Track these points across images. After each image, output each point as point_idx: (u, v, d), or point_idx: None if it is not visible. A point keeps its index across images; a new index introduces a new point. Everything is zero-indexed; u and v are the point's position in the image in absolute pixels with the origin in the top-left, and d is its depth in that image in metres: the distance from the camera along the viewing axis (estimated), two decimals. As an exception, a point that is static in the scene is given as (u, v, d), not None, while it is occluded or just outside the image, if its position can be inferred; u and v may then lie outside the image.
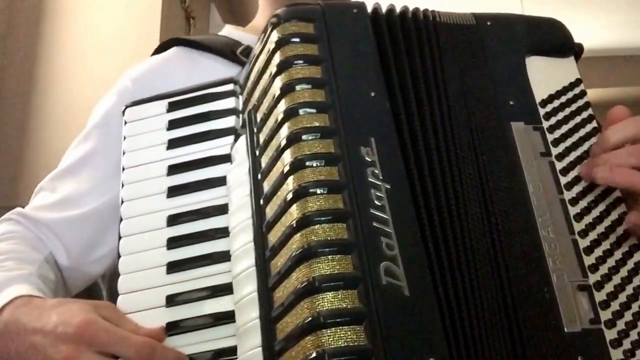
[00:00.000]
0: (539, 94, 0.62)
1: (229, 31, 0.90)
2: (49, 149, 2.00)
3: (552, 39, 0.65)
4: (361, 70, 0.58)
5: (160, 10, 2.18)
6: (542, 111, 0.62)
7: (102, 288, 1.06)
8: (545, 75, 0.63)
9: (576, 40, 0.67)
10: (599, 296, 0.53)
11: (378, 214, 0.49)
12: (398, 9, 0.64)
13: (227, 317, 0.56)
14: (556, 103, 0.63)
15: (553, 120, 0.62)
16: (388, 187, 0.51)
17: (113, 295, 0.62)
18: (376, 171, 0.51)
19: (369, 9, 0.62)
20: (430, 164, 0.55)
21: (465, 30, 0.64)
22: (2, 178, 2.01)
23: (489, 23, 0.65)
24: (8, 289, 0.59)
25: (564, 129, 0.62)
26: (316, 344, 0.44)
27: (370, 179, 0.51)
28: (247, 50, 0.79)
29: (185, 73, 0.78)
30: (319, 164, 0.52)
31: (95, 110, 0.83)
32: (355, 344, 0.44)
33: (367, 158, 0.52)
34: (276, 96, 0.57)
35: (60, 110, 2.06)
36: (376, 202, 0.50)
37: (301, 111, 0.55)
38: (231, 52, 0.80)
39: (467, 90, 0.61)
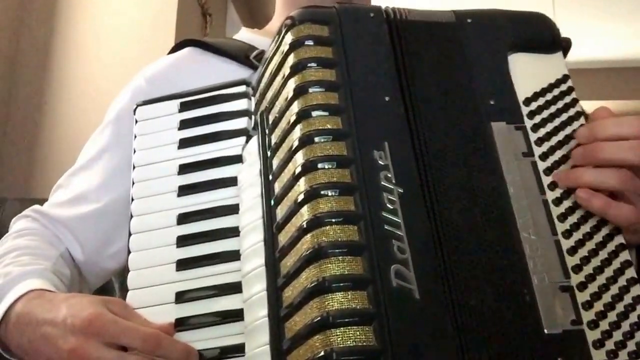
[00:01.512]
0: (523, 92, 0.61)
1: (245, 34, 0.91)
2: (62, 143, 2.02)
3: (538, 34, 0.64)
4: (376, 75, 0.58)
5: (177, 6, 2.17)
6: (526, 110, 0.60)
7: (115, 284, 1.07)
8: (531, 72, 0.62)
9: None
10: (582, 297, 0.53)
11: (390, 217, 0.50)
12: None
13: (235, 315, 0.57)
14: (541, 101, 0.61)
15: (537, 118, 0.60)
16: (400, 191, 0.51)
17: (126, 291, 0.63)
18: (389, 175, 0.52)
19: (384, 13, 0.62)
20: (440, 169, 0.55)
21: (443, 28, 0.63)
22: (17, 170, 2.03)
23: (469, 20, 0.63)
24: (22, 283, 0.61)
25: (549, 127, 0.60)
26: (325, 343, 0.45)
27: (382, 183, 0.51)
28: (261, 54, 0.80)
29: (198, 74, 0.79)
30: (331, 166, 0.52)
31: (111, 107, 0.84)
32: (364, 344, 0.44)
33: (379, 162, 0.52)
34: (289, 98, 0.58)
35: (73, 105, 2.08)
36: (388, 205, 0.50)
37: (314, 113, 0.55)
38: (244, 56, 0.81)
39: (446, 90, 0.60)
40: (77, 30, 2.17)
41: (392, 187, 0.51)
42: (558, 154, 0.59)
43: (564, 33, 0.66)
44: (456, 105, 0.59)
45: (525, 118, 0.60)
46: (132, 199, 0.67)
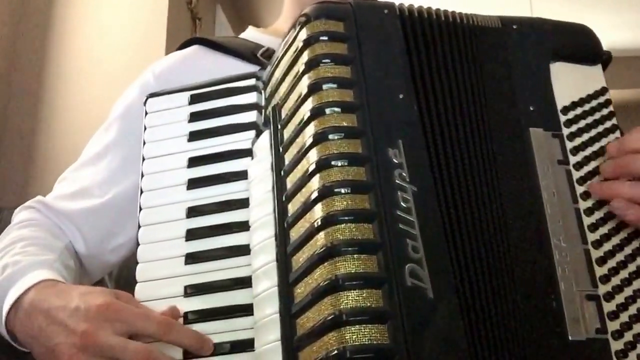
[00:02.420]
0: (562, 101, 0.62)
1: (251, 34, 0.91)
2: (58, 152, 2.03)
3: (580, 45, 0.65)
4: (390, 72, 0.58)
5: (167, 10, 2.21)
6: (563, 118, 0.61)
7: (107, 283, 1.07)
8: (570, 82, 0.63)
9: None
10: (609, 307, 0.54)
11: (404, 216, 0.50)
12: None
13: (244, 310, 0.57)
14: (579, 110, 0.62)
15: (574, 127, 0.61)
16: (415, 189, 0.51)
17: (118, 284, 0.63)
18: (403, 173, 0.52)
19: (398, 10, 0.62)
20: (455, 168, 0.55)
21: (490, 33, 0.64)
22: (14, 180, 2.04)
23: (514, 27, 0.65)
24: (34, 272, 0.61)
25: (585, 137, 0.61)
26: (339, 340, 0.45)
27: (397, 181, 0.51)
28: (268, 52, 0.80)
29: (206, 71, 0.79)
30: (345, 164, 0.52)
31: (118, 102, 0.84)
32: (379, 342, 0.44)
33: (394, 160, 0.52)
34: (303, 94, 0.57)
35: (69, 113, 2.10)
36: (402, 204, 0.50)
37: (328, 110, 0.55)
38: (252, 53, 0.81)
39: (487, 93, 0.61)
40: (71, 35, 2.19)
41: (406, 185, 0.51)
42: (592, 165, 0.60)
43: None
44: (495, 108, 0.60)
45: (563, 126, 0.61)
46: (141, 191, 0.67)
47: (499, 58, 0.63)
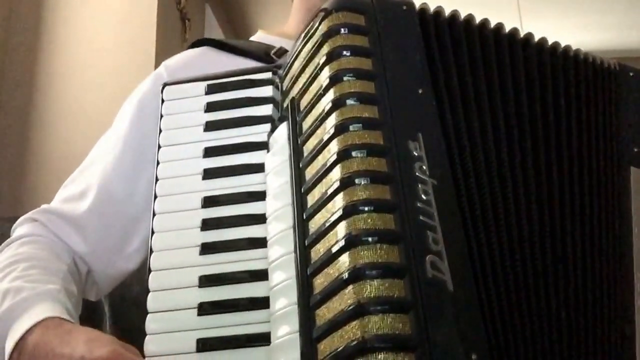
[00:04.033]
0: None
1: (261, 36, 0.91)
2: (51, 161, 2.01)
3: None
4: (409, 67, 0.58)
5: (156, 12, 2.21)
6: None
7: (105, 305, 1.04)
8: None
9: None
10: None
11: (425, 207, 0.50)
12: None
13: (259, 303, 0.56)
14: None
15: None
16: (435, 182, 0.51)
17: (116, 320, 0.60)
18: (424, 167, 0.52)
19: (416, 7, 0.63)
20: (476, 165, 0.55)
21: (603, 73, 0.67)
22: (5, 189, 2.02)
23: (631, 74, 0.69)
24: (38, 307, 0.59)
25: None
26: (361, 329, 0.45)
27: (417, 174, 0.51)
28: (281, 51, 0.80)
29: (219, 69, 0.78)
30: (367, 155, 0.52)
31: (132, 95, 0.83)
32: (400, 332, 0.44)
33: (414, 153, 0.53)
34: (324, 86, 0.57)
35: (61, 122, 2.07)
36: (423, 196, 0.50)
37: (349, 101, 0.55)
38: (265, 53, 0.81)
39: (586, 124, 0.63)
40: (60, 36, 2.18)
41: (426, 178, 0.52)
42: None
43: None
44: (591, 139, 0.63)
45: None
46: (157, 179, 0.67)
47: (605, 94, 0.66)
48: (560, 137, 0.61)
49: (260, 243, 0.60)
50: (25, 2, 2.19)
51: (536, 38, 0.67)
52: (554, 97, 0.63)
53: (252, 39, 0.91)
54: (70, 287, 0.68)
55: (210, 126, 0.69)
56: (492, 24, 0.65)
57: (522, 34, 0.67)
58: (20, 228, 0.75)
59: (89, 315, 0.83)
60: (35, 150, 2.05)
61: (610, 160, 0.63)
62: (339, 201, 0.51)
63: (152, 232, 0.64)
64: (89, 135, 0.84)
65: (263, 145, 0.66)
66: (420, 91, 0.57)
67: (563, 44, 0.68)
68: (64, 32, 2.18)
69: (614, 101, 0.66)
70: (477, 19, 0.65)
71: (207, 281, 0.60)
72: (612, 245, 0.59)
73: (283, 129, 0.64)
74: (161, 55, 0.83)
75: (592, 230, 0.59)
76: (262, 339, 0.55)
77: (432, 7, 0.64)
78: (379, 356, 0.43)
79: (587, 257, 0.57)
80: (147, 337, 0.58)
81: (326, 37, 0.59)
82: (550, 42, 0.67)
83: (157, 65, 0.91)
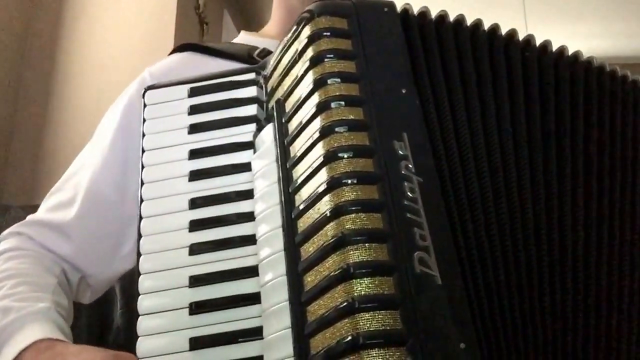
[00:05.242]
0: None
1: (244, 37, 0.92)
2: (66, 150, 2.03)
3: None
4: (392, 68, 0.60)
5: (175, 16, 2.22)
6: None
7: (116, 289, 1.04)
8: None
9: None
10: None
11: (411, 205, 0.51)
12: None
13: (251, 299, 0.58)
14: None
15: None
16: (420, 180, 0.53)
17: (128, 296, 0.61)
18: (409, 165, 0.53)
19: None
20: (464, 161, 0.57)
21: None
22: (22, 178, 2.04)
23: None
24: (29, 327, 0.59)
25: None
26: (352, 326, 0.46)
27: (403, 172, 0.53)
28: (264, 52, 0.81)
29: (202, 73, 0.79)
30: (353, 156, 0.53)
31: (116, 101, 0.84)
32: (391, 328, 0.46)
33: (400, 152, 0.54)
34: (309, 89, 0.58)
35: (77, 112, 2.11)
36: (409, 194, 0.52)
37: (334, 104, 0.57)
38: (248, 55, 0.82)
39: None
40: (80, 40, 2.20)
41: (412, 176, 0.53)
42: None
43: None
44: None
45: None
46: (142, 183, 0.67)
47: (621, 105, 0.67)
48: (560, 135, 0.62)
49: (249, 241, 0.61)
50: (45, 6, 2.19)
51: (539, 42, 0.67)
52: (557, 101, 0.64)
53: (234, 40, 0.92)
54: (62, 301, 0.67)
55: (194, 128, 0.69)
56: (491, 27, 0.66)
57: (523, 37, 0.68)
58: (5, 242, 0.73)
59: (99, 298, 0.82)
60: (52, 145, 2.07)
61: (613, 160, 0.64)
62: (327, 202, 0.52)
63: (140, 236, 0.64)
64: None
65: (249, 145, 0.67)
66: (403, 91, 0.59)
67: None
68: (82, 35, 2.20)
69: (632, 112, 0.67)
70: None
71: (197, 281, 0.61)
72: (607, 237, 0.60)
73: (269, 130, 0.65)
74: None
75: (585, 222, 0.60)
76: (254, 334, 0.56)
77: (436, 10, 0.65)
78: (371, 352, 0.45)
79: (576, 249, 0.58)
80: (139, 338, 0.58)
81: (310, 41, 0.60)
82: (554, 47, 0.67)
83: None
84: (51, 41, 2.18)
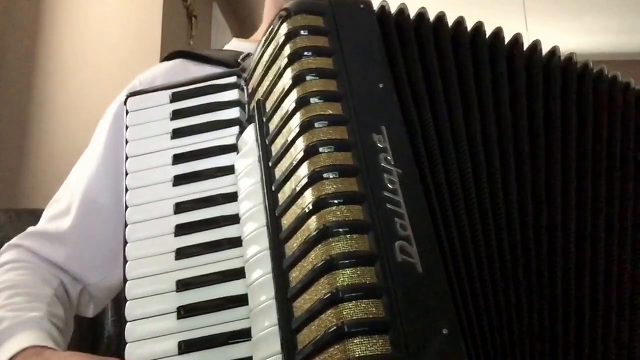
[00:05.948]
0: None
1: (235, 44, 0.93)
2: (49, 154, 2.00)
3: None
4: (369, 63, 0.60)
5: (162, 8, 2.18)
6: None
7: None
8: None
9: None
10: None
11: (392, 196, 0.52)
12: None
13: (239, 301, 0.58)
14: None
15: None
16: (400, 171, 0.53)
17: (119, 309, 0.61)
18: (388, 157, 0.54)
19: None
20: (445, 154, 0.57)
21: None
22: (3, 181, 2.00)
23: None
24: (19, 336, 0.59)
25: None
26: (337, 316, 0.46)
27: (382, 164, 0.53)
28: (249, 56, 0.82)
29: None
30: (333, 150, 0.54)
31: (108, 109, 0.84)
32: (375, 316, 0.46)
33: (379, 145, 0.54)
34: (287, 87, 0.59)
35: (60, 114, 2.07)
36: (389, 185, 0.52)
37: (313, 100, 0.57)
38: (235, 61, 0.83)
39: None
40: (62, 34, 2.15)
41: (391, 168, 0.54)
42: None
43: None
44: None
45: None
46: (127, 190, 0.67)
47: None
48: (548, 128, 0.63)
49: (235, 243, 0.61)
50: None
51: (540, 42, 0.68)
52: (547, 99, 0.64)
53: (226, 47, 0.94)
54: (58, 312, 0.68)
55: (177, 133, 0.70)
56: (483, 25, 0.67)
57: (525, 37, 0.68)
58: (4, 255, 0.74)
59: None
60: (35, 149, 2.04)
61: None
62: (308, 196, 0.52)
63: (125, 242, 0.64)
64: (90, 131, 0.85)
65: (232, 148, 0.67)
66: (381, 86, 0.59)
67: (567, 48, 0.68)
68: (67, 29, 2.14)
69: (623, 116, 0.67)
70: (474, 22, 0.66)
71: (184, 285, 0.61)
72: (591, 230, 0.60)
73: (251, 131, 0.65)
74: (167, 52, 0.85)
75: (577, 207, 0.60)
76: (244, 335, 0.56)
77: (436, 10, 0.66)
78: (356, 340, 0.45)
79: (564, 234, 0.58)
80: (128, 345, 0.58)
81: (287, 39, 0.61)
82: (554, 46, 0.68)
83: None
84: (30, 40, 2.11)
